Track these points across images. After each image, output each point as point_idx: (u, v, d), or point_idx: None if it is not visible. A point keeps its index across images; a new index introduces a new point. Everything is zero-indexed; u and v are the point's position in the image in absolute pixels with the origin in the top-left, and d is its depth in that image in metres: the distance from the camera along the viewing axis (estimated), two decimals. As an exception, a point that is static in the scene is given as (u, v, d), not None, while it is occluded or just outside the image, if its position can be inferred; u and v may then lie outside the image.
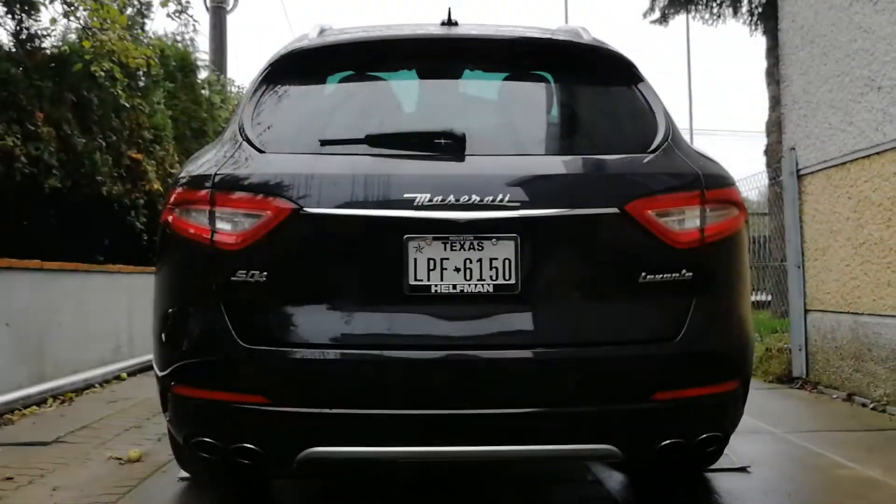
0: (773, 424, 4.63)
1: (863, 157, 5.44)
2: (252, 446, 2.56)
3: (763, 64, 14.69)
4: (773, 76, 13.30)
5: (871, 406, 5.16)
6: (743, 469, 3.58)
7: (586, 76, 3.02)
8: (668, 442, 2.59)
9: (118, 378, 7.31)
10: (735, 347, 2.69)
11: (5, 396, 5.42)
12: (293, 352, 2.52)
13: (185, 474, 3.52)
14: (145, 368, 8.08)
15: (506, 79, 3.05)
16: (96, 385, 6.80)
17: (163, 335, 2.71)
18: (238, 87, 14.05)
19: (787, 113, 6.69)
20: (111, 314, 7.64)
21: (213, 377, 2.59)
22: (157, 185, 9.33)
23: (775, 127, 14.31)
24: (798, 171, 6.42)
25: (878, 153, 5.24)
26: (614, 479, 3.55)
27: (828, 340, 5.94)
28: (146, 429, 4.90)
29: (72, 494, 3.43)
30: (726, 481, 3.43)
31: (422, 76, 3.03)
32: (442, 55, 3.00)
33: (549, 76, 3.05)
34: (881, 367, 5.20)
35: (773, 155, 14.08)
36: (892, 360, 5.08)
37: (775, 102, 13.57)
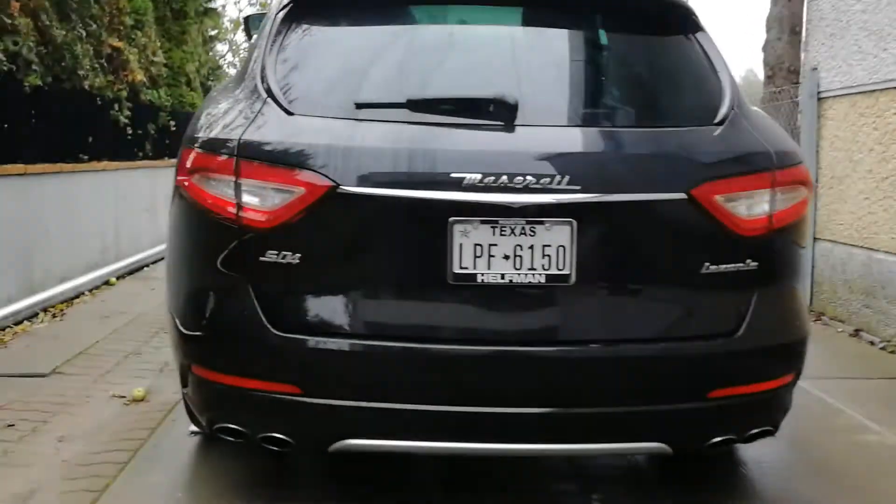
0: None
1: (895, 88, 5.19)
2: (282, 436, 2.42)
3: (768, -45, 14.05)
4: (779, -32, 12.82)
5: (881, 345, 5.11)
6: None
7: (647, 30, 2.73)
8: (719, 439, 2.48)
9: (107, 283, 7.13)
10: (795, 341, 2.54)
11: (-4, 314, 5.24)
12: (329, 341, 2.33)
13: (196, 428, 3.39)
14: (133, 271, 7.91)
15: (558, 34, 2.74)
16: (86, 293, 6.62)
17: (182, 315, 2.50)
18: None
19: (812, 30, 6.37)
20: (97, 214, 7.38)
21: (241, 364, 2.41)
22: (139, 76, 8.89)
23: (776, 23, 13.88)
24: (819, 93, 6.16)
25: (913, 86, 4.99)
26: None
27: (837, 272, 5.85)
28: (145, 356, 4.75)
29: (79, 448, 3.30)
30: (750, 448, 3.35)
31: (468, 23, 2.72)
32: (492, 1, 2.69)
33: (607, 30, 2.75)
34: (894, 307, 5.13)
35: (772, 52, 13.73)
36: (908, 301, 5.01)
37: (779, -2, 13.09)
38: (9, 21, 6.00)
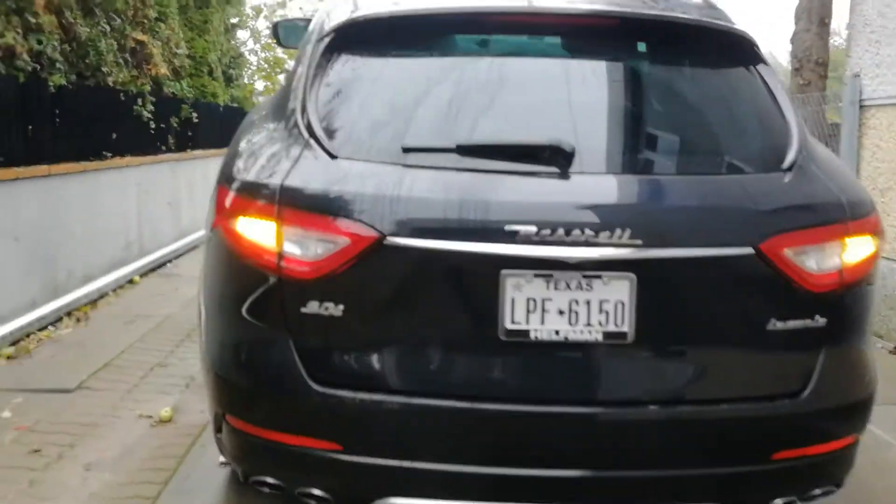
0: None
1: (945, 102, 5.00)
2: (321, 493, 2.31)
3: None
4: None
5: (924, 367, 4.96)
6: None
7: (707, 64, 2.58)
8: (780, 501, 2.35)
9: (131, 282, 7.05)
10: (863, 400, 2.41)
11: (20, 320, 5.19)
12: (372, 398, 2.22)
13: (225, 459, 3.30)
14: (156, 267, 7.84)
15: (613, 69, 2.58)
16: (109, 293, 6.55)
17: (217, 364, 2.39)
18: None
19: (855, 35, 6.16)
20: (121, 211, 7.31)
21: (280, 418, 2.31)
22: (163, 70, 8.78)
23: (804, 14, 13.62)
24: (861, 101, 5.96)
25: (966, 101, 4.80)
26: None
27: (877, 287, 5.67)
28: (171, 368, 4.68)
29: (107, 478, 3.22)
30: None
31: (519, 57, 2.57)
32: (551, 34, 2.53)
33: (664, 64, 2.60)
34: (939, 329, 4.97)
35: (800, 44, 13.49)
36: (954, 323, 4.84)
37: (810, -12, 12.85)
38: (33, 20, 5.90)
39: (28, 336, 5.15)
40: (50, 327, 5.44)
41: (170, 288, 6.92)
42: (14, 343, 4.97)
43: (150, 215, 8.06)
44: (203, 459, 3.41)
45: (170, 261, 8.25)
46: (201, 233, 9.29)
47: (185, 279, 7.19)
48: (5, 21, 5.58)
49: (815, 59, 13.53)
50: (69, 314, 5.77)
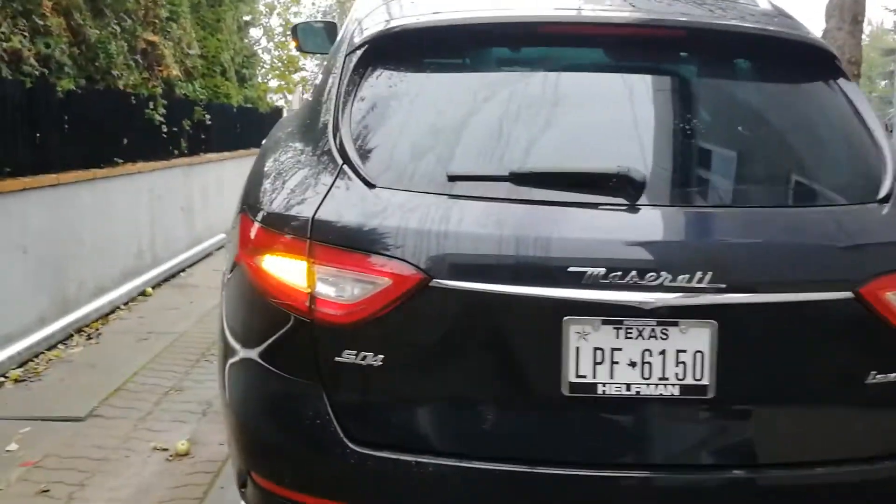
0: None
1: None
2: (359, 564, 2.06)
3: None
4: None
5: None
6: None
7: (787, 80, 2.30)
8: None
9: (143, 294, 6.81)
10: None
11: (29, 339, 4.94)
12: (415, 460, 1.96)
13: (246, 503, 3.06)
14: (169, 277, 7.60)
15: (684, 87, 2.30)
16: (121, 307, 6.30)
17: (241, 415, 2.14)
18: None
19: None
20: (133, 219, 7.06)
21: (310, 479, 2.06)
22: (175, 71, 8.54)
23: (836, 11, 13.30)
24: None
25: None
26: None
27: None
28: (186, 392, 4.42)
29: (120, 526, 2.98)
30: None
31: (578, 72, 2.29)
32: (611, 46, 2.26)
33: (741, 80, 2.33)
34: None
35: (832, 42, 13.16)
36: None
37: (841, -15, 12.54)
38: (41, 23, 5.66)
39: (37, 356, 4.91)
40: (60, 346, 5.20)
41: (184, 300, 6.67)
42: (22, 364, 4.74)
43: (162, 222, 7.82)
44: (224, 499, 3.16)
45: (184, 269, 7.99)
46: (215, 238, 8.94)
47: (201, 290, 6.95)
48: (11, 24, 5.35)
49: (847, 58, 13.19)
50: (79, 331, 5.52)
